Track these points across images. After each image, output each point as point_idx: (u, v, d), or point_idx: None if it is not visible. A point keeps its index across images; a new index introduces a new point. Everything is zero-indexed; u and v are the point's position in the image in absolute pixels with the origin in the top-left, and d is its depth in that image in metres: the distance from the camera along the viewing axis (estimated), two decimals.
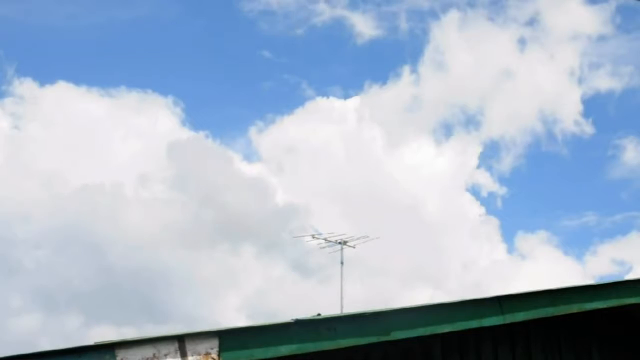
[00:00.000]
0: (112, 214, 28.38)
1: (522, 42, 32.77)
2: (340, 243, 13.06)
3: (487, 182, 32.05)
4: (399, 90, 32.55)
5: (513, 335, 6.24)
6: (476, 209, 31.43)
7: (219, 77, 35.48)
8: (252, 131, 33.58)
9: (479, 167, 32.36)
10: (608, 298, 6.14)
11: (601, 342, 6.99)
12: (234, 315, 26.17)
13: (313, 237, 13.09)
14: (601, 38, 34.82)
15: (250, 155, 35.22)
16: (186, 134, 31.73)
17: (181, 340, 3.88)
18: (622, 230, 42.78)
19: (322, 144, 30.74)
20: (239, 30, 33.93)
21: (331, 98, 32.25)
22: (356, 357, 5.11)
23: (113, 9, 33.77)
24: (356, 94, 34.33)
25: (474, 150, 32.22)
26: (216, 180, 29.04)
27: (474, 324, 5.26)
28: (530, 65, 33.08)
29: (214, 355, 3.93)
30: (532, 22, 36.09)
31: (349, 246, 13.08)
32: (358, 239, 13.19)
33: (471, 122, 36.17)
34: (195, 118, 34.62)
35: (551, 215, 35.97)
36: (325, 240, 13.04)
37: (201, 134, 32.85)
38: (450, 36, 32.44)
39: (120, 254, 27.59)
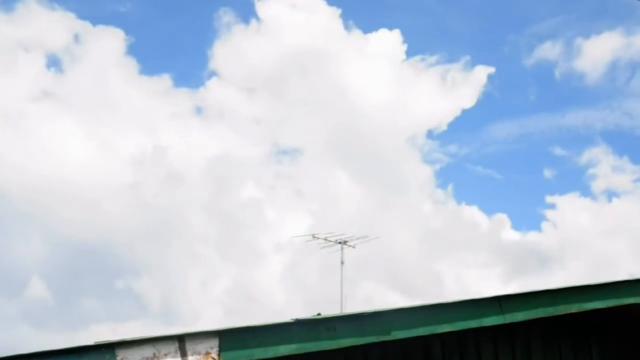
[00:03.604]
0: None
1: None
2: (340, 243, 13.08)
3: None
4: None
5: (513, 335, 6.25)
6: None
7: None
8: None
9: None
10: (607, 298, 6.15)
11: (601, 342, 7.00)
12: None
13: (313, 237, 13.10)
14: None
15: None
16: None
17: (181, 340, 3.89)
18: None
19: None
20: None
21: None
22: (356, 356, 5.12)
23: None
24: None
25: None
26: None
27: (473, 323, 5.27)
28: None
29: (214, 355, 3.94)
30: None
31: (349, 246, 13.11)
32: (358, 238, 13.21)
33: None
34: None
35: None
36: (325, 239, 13.06)
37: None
38: None
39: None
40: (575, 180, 33.19)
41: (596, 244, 30.52)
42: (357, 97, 28.30)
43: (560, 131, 31.97)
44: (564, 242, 30.66)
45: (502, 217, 29.82)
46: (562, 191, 35.46)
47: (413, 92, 30.24)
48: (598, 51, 30.28)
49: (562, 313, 5.89)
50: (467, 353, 5.95)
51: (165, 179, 27.41)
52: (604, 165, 31.30)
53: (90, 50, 28.67)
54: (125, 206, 27.16)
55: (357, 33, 30.02)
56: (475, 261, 27.78)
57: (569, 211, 31.08)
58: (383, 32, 29.12)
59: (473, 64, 32.00)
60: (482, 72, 29.48)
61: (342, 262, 12.90)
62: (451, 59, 34.16)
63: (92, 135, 28.46)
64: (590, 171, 31.88)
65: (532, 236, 30.85)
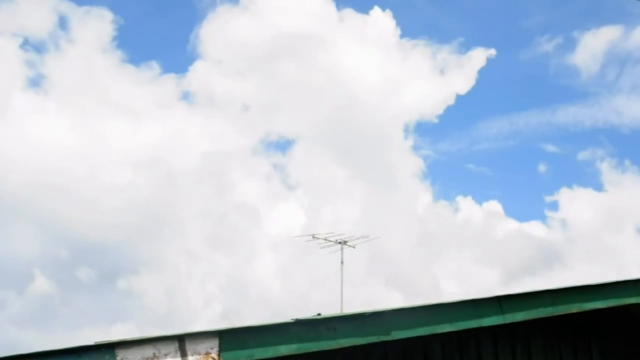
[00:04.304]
0: None
1: None
2: (340, 243, 13.06)
3: None
4: None
5: (513, 335, 6.24)
6: None
7: None
8: None
9: None
10: (608, 298, 6.14)
11: (601, 342, 6.99)
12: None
13: (313, 237, 13.08)
14: None
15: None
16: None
17: (181, 340, 3.89)
18: None
19: None
20: None
21: None
22: (356, 356, 5.11)
23: None
24: None
25: None
26: None
27: (473, 323, 5.27)
28: None
29: (214, 355, 3.93)
30: None
31: (349, 246, 13.09)
32: (358, 238, 13.19)
33: None
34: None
35: None
36: (325, 239, 13.04)
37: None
38: None
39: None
40: (572, 177, 33.36)
41: (597, 236, 30.67)
42: (349, 81, 28.20)
43: (550, 128, 32.07)
44: (566, 237, 30.78)
45: (500, 215, 29.92)
46: (558, 187, 35.64)
47: (408, 78, 30.23)
48: (589, 48, 30.42)
49: (563, 313, 5.88)
50: (467, 353, 5.94)
51: (158, 176, 27.33)
52: (599, 161, 31.45)
53: (77, 35, 28.48)
54: (118, 202, 27.08)
55: (349, 12, 30.02)
56: (475, 259, 27.82)
57: (567, 207, 31.25)
58: (376, 12, 29.03)
59: (467, 48, 32.15)
60: (480, 55, 29.52)
61: (342, 262, 12.88)
62: (443, 44, 34.20)
63: (84, 127, 28.33)
64: (587, 168, 32.04)
65: (531, 233, 30.99)
